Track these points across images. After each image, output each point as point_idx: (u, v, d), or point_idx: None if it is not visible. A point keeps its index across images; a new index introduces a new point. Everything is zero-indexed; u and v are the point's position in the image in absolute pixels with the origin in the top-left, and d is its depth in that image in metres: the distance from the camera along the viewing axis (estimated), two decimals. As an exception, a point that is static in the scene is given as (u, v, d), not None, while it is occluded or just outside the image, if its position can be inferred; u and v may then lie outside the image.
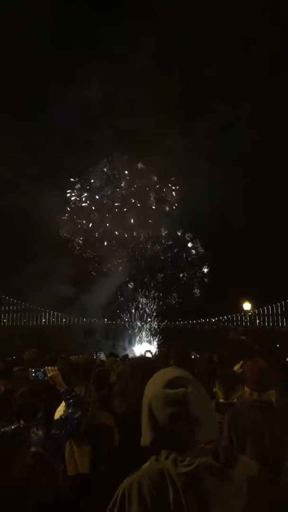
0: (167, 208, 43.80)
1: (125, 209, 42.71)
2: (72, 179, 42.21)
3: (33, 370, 3.60)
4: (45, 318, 44.27)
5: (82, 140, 41.02)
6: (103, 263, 37.94)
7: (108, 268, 36.56)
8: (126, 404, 3.08)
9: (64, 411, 3.30)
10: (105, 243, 41.29)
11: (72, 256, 37.15)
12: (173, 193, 43.15)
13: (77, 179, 42.67)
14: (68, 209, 42.58)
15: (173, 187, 43.23)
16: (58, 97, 39.21)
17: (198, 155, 36.98)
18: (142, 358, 6.19)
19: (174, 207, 43.96)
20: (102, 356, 10.58)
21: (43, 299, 38.96)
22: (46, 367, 3.44)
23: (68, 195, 42.54)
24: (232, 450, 1.28)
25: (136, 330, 36.38)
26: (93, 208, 43.00)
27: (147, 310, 37.15)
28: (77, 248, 41.23)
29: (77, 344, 28.26)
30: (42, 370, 3.48)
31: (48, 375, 3.36)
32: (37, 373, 3.52)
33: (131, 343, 34.66)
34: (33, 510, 2.06)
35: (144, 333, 36.40)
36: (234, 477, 1.23)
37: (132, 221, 42.08)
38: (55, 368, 3.44)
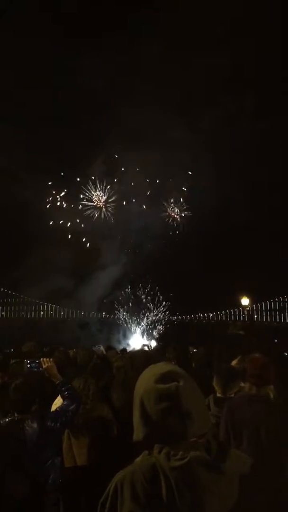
0: (168, 202, 43.76)
1: (124, 203, 42.62)
2: (66, 172, 41.90)
3: (28, 361, 3.59)
4: (43, 311, 44.39)
5: (81, 132, 40.84)
6: (100, 256, 37.95)
7: (105, 261, 36.59)
8: (126, 396, 3.09)
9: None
10: (102, 236, 41.24)
11: (68, 248, 37.14)
12: (182, 189, 43.08)
13: (74, 171, 42.41)
14: (62, 202, 42.32)
15: (178, 184, 43.14)
16: (58, 88, 38.97)
17: (200, 149, 36.84)
18: (141, 351, 6.21)
19: (174, 201, 43.93)
20: (102, 349, 10.59)
21: (40, 291, 38.98)
22: (41, 359, 3.43)
23: (64, 188, 42.32)
24: (224, 444, 1.28)
25: (133, 323, 36.51)
26: (89, 201, 42.87)
27: (144, 304, 37.26)
28: (73, 241, 41.19)
29: (72, 337, 28.32)
30: (37, 361, 3.48)
31: (44, 366, 3.35)
32: (32, 364, 3.52)
33: (125, 336, 34.76)
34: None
35: (140, 327, 36.54)
36: (226, 470, 1.23)
37: (130, 215, 42.00)
38: (51, 359, 3.43)
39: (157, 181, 42.14)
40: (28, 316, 43.75)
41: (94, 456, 3.43)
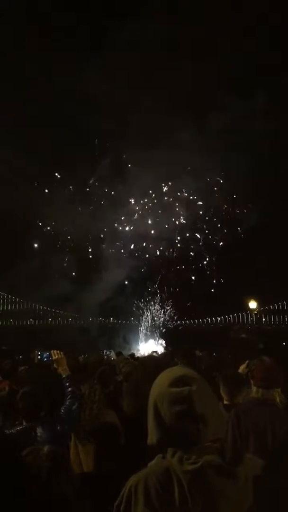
0: (174, 205, 43.63)
1: (129, 205, 42.46)
2: (69, 175, 41.85)
3: (39, 353, 3.66)
4: (51, 317, 44.40)
5: (83, 134, 40.85)
6: (103, 260, 37.93)
7: (108, 265, 36.59)
8: (138, 403, 3.07)
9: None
10: (106, 240, 41.18)
11: (71, 253, 37.18)
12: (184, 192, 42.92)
13: (77, 174, 42.34)
14: (65, 205, 42.10)
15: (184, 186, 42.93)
16: (61, 91, 39.14)
17: (209, 151, 36.84)
18: (152, 357, 6.21)
19: (181, 205, 43.77)
20: (112, 354, 10.63)
21: (45, 297, 39.02)
22: (52, 350, 3.47)
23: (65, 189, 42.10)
24: (238, 448, 1.28)
25: (139, 328, 36.42)
26: (93, 203, 42.71)
27: (151, 308, 37.18)
28: (73, 245, 41.04)
29: (75, 342, 28.29)
30: (48, 353, 3.54)
31: (54, 358, 3.40)
32: (43, 355, 3.58)
33: (126, 341, 34.72)
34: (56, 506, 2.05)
35: (146, 331, 36.44)
36: (239, 475, 1.23)
37: (135, 216, 41.90)
38: (61, 352, 3.47)
39: (164, 183, 42.01)
40: (37, 323, 43.77)
41: (101, 463, 3.43)
